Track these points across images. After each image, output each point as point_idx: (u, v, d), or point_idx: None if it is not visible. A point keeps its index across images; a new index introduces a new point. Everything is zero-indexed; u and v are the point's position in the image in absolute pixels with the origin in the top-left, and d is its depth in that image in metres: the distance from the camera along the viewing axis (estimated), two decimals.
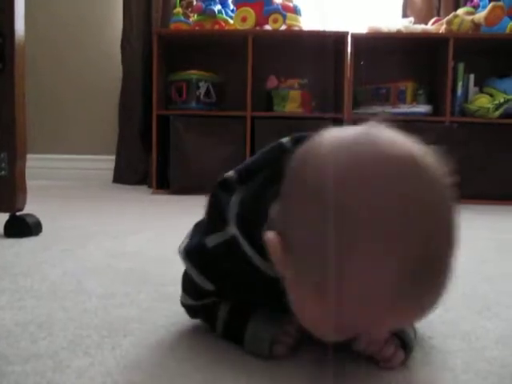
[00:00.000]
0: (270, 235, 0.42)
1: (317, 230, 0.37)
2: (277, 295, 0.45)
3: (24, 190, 1.23)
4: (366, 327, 0.41)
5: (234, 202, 0.52)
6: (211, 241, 0.51)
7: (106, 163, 2.66)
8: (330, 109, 2.42)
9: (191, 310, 0.61)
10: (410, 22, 2.37)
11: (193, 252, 0.54)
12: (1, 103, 1.18)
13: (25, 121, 1.23)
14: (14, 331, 0.59)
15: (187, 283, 0.59)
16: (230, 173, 0.55)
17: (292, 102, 2.29)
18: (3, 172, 1.19)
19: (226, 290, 0.55)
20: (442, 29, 2.28)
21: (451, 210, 0.38)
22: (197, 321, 0.62)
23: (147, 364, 0.51)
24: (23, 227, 1.18)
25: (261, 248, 0.45)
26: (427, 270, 0.36)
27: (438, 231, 0.37)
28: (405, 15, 2.55)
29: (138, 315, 0.66)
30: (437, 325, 0.64)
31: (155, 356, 0.53)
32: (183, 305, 0.61)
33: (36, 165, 2.25)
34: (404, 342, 0.52)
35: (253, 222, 0.48)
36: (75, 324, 0.62)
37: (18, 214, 1.19)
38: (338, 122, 2.25)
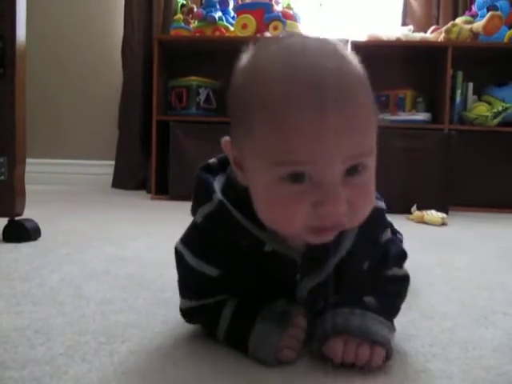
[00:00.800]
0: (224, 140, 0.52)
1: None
2: (271, 270, 0.52)
3: (23, 194, 1.23)
4: (308, 156, 0.44)
5: (217, 181, 0.57)
6: (200, 214, 0.55)
7: (106, 168, 2.66)
8: None
9: (191, 313, 0.61)
10: (410, 30, 2.38)
11: (185, 236, 0.59)
12: (1, 107, 1.19)
13: (25, 125, 1.23)
14: (12, 336, 0.59)
15: (183, 283, 0.60)
16: (212, 160, 0.61)
17: None
18: (2, 177, 1.19)
19: (223, 269, 0.55)
20: (441, 37, 2.29)
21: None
22: (195, 327, 0.62)
23: (145, 370, 0.51)
24: (22, 232, 1.17)
25: (249, 213, 0.51)
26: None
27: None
28: (404, 23, 2.56)
29: (136, 321, 0.66)
30: (436, 333, 0.64)
31: (153, 362, 0.53)
32: (182, 311, 0.61)
33: (35, 169, 2.25)
34: (377, 341, 0.52)
35: (237, 192, 0.52)
36: (73, 329, 0.62)
37: (16, 218, 1.19)
38: None
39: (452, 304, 0.78)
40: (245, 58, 0.51)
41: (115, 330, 0.62)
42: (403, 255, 0.64)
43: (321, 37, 0.50)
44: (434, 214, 1.72)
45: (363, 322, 0.53)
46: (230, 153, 0.52)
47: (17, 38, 1.17)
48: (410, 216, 1.81)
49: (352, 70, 0.48)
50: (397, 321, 0.68)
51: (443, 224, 1.69)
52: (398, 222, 1.74)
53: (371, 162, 0.48)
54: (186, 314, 0.61)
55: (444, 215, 1.72)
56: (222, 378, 0.50)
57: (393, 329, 0.57)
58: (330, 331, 0.53)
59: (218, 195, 0.54)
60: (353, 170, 0.46)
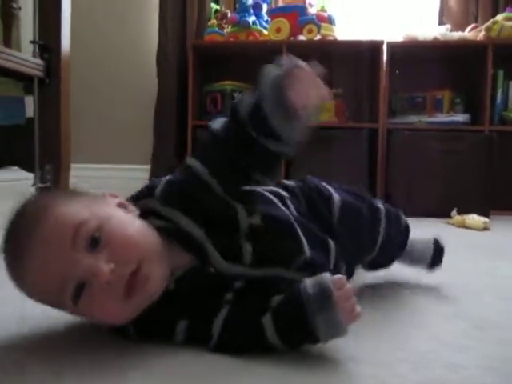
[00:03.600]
0: None
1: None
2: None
3: None
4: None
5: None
6: (175, 174, 0.66)
7: (142, 173, 2.70)
8: (365, 118, 2.40)
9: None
10: (447, 29, 2.33)
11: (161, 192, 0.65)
12: (47, 117, 1.22)
13: (69, 134, 1.27)
14: None
15: None
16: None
17: (326, 112, 2.28)
18: (48, 183, 1.23)
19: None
20: (480, 36, 2.24)
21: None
22: None
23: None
24: None
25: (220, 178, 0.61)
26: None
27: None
28: (441, 22, 2.51)
29: None
30: (490, 345, 0.62)
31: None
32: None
33: (76, 174, 2.31)
34: None
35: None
36: None
37: None
38: (373, 131, 2.23)
39: (503, 314, 0.76)
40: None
41: None
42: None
43: None
44: (475, 219, 1.67)
45: None
46: None
47: (62, 48, 1.21)
48: (450, 220, 1.77)
49: None
50: (447, 330, 0.67)
51: (485, 229, 1.64)
52: (437, 226, 1.72)
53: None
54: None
55: (486, 219, 1.67)
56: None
57: None
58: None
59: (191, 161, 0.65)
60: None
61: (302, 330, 0.55)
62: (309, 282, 0.56)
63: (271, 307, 0.57)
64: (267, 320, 0.56)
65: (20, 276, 0.56)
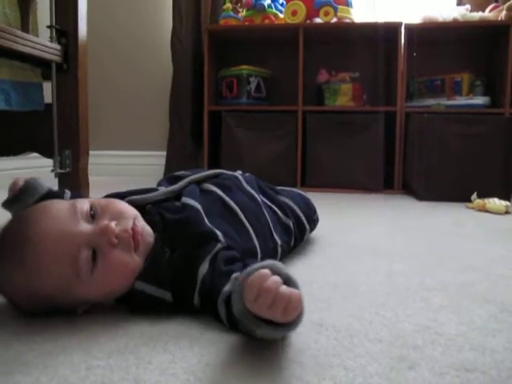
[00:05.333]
0: None
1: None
2: None
3: (87, 185, 1.28)
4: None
5: None
6: None
7: (158, 159, 2.70)
8: (383, 102, 2.37)
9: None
10: (467, 9, 2.28)
11: None
12: (65, 102, 1.22)
13: (87, 119, 1.27)
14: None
15: None
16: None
17: (343, 96, 2.25)
18: (68, 169, 1.23)
19: None
20: (502, 15, 2.18)
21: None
22: None
23: (229, 361, 0.52)
24: None
25: None
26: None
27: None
28: (460, 3, 2.45)
29: None
30: None
31: (235, 353, 0.54)
32: None
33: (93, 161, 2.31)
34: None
35: None
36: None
37: None
38: (391, 115, 2.20)
39: None
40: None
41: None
42: None
43: None
44: (496, 202, 1.64)
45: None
46: None
47: (79, 33, 1.20)
48: (470, 204, 1.74)
49: None
50: (475, 313, 0.66)
51: (507, 212, 1.61)
52: (456, 210, 1.70)
53: None
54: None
55: (508, 203, 1.64)
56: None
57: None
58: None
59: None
60: None
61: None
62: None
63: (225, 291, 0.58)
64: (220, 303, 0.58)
65: (29, 262, 0.58)
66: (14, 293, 0.61)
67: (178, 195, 0.75)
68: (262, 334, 0.51)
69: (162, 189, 0.76)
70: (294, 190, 1.05)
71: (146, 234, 0.65)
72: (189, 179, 0.79)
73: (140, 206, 0.71)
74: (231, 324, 0.57)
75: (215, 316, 0.60)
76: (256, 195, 0.84)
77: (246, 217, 0.76)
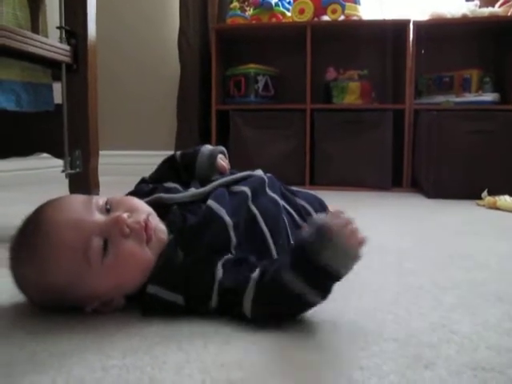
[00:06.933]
0: None
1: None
2: None
3: (97, 185, 1.28)
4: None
5: None
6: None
7: None
8: (391, 99, 2.36)
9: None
10: (476, 5, 2.26)
11: None
12: (75, 103, 1.22)
13: (97, 120, 1.27)
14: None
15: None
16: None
17: (351, 94, 2.24)
18: (78, 169, 1.24)
19: None
20: (511, 11, 2.16)
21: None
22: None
23: (243, 361, 0.51)
24: None
25: None
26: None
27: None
28: None
29: None
30: None
31: (250, 353, 0.53)
32: None
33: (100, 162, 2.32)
34: None
35: None
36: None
37: None
38: (400, 112, 2.19)
39: None
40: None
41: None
42: None
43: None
44: (507, 200, 1.63)
45: None
46: None
47: (88, 34, 1.20)
48: (480, 202, 1.73)
49: None
50: (489, 312, 0.66)
51: None
52: (466, 207, 1.69)
53: None
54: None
55: None
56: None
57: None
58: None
59: None
60: None
61: (317, 273, 0.56)
62: (304, 230, 0.58)
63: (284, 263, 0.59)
64: (286, 274, 0.57)
65: (40, 249, 0.59)
66: (25, 280, 0.62)
67: (205, 197, 0.74)
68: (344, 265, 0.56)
69: (192, 190, 0.76)
70: (310, 191, 1.04)
71: (159, 231, 0.65)
72: (218, 182, 0.78)
73: (166, 206, 0.72)
74: (258, 305, 0.59)
75: (236, 310, 0.60)
76: (279, 200, 0.82)
77: (265, 222, 0.74)
